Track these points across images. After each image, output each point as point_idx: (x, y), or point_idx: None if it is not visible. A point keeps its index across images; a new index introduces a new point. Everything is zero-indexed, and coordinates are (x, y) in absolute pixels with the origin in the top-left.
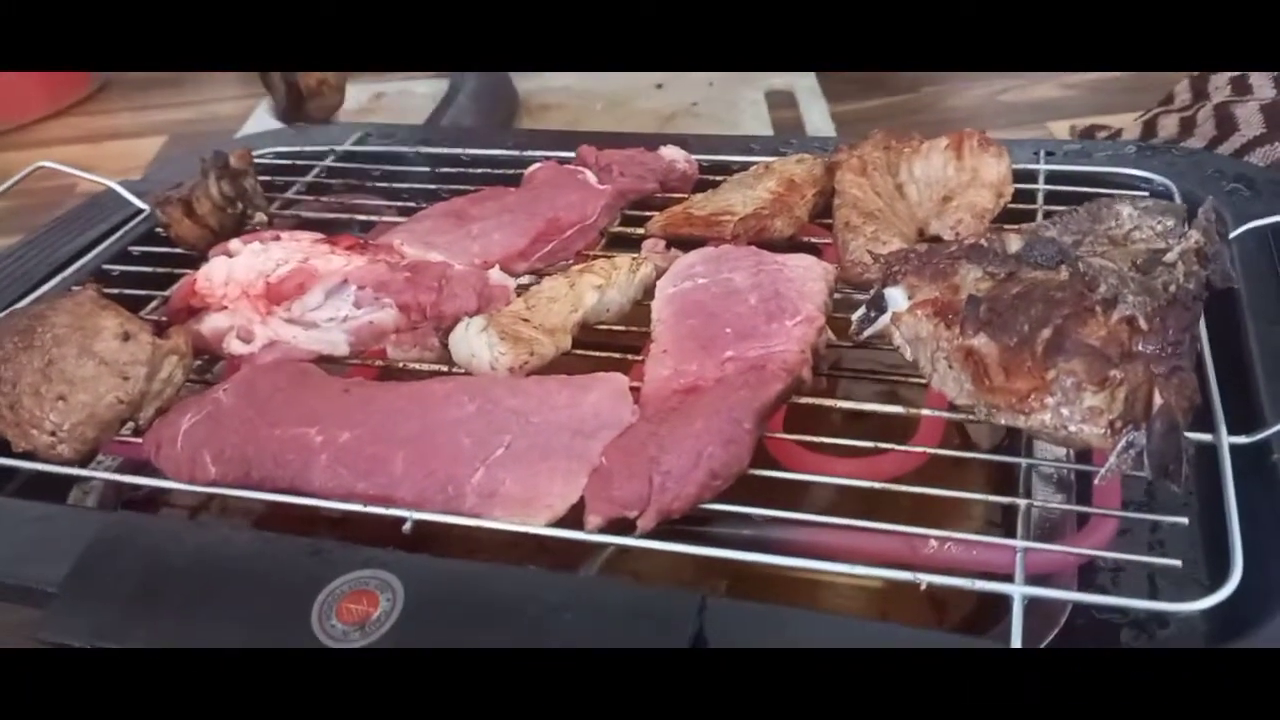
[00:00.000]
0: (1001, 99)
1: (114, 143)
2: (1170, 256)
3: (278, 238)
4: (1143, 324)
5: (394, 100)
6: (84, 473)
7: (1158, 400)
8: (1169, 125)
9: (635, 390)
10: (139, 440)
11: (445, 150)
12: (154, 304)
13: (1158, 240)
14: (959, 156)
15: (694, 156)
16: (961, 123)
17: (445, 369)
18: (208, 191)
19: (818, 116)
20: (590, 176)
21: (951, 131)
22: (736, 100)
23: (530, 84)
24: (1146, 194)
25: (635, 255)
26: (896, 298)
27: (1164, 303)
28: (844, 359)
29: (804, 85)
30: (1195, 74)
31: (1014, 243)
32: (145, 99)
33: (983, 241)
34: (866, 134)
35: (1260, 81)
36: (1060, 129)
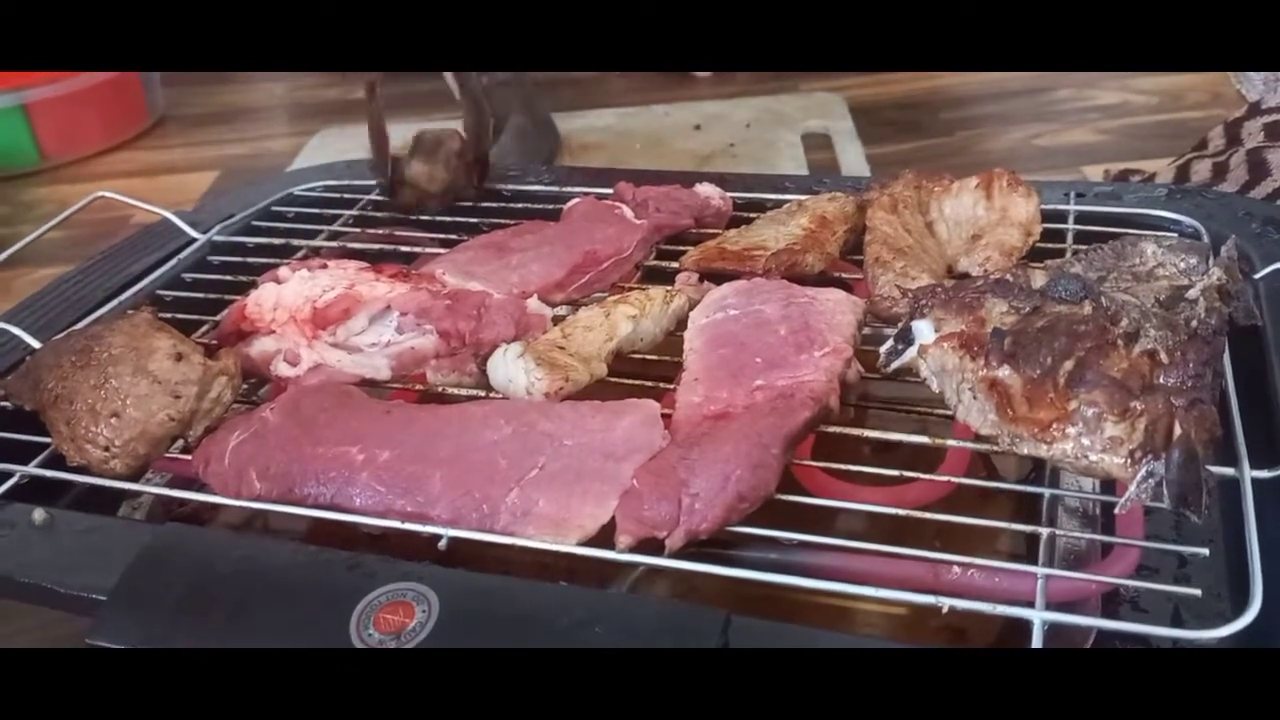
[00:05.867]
0: (1036, 143)
1: (168, 177)
2: (1192, 293)
3: (325, 266)
4: (1164, 357)
5: None
6: (135, 487)
7: (1178, 431)
8: (1202, 170)
9: (666, 416)
10: (188, 457)
11: (487, 186)
12: (205, 328)
13: (1181, 277)
14: (989, 196)
15: (729, 194)
16: (995, 166)
17: (483, 393)
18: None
19: (853, 158)
20: (627, 211)
21: (982, 171)
22: (774, 141)
23: (572, 124)
24: (1173, 234)
25: (669, 288)
26: (923, 330)
27: (1185, 337)
28: (872, 391)
29: (840, 128)
30: (1229, 120)
31: (1039, 278)
32: (199, 135)
33: (1008, 277)
34: (899, 174)
35: None
36: (1094, 173)
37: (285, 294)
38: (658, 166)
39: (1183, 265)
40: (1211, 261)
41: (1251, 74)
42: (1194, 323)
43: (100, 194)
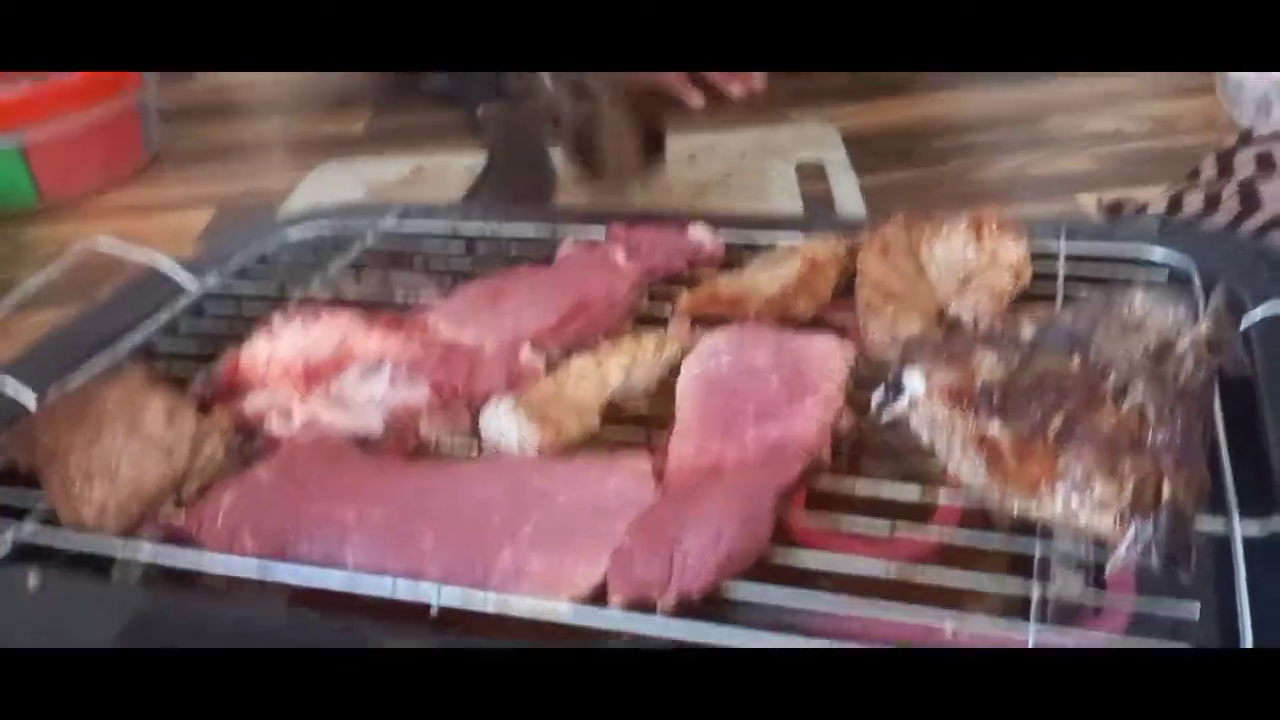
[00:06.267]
0: (1029, 171)
1: (165, 215)
2: (1181, 346)
3: (318, 316)
4: (1152, 414)
5: (434, 174)
6: (128, 548)
7: (1166, 492)
8: (1194, 201)
9: (659, 468)
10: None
11: (482, 228)
12: (200, 379)
13: (1169, 329)
14: (978, 238)
15: (722, 233)
16: (989, 195)
17: (476, 446)
18: None
19: (847, 189)
20: (620, 256)
21: (971, 213)
22: (768, 172)
23: None
24: (1161, 281)
25: (662, 333)
26: (914, 381)
27: (1173, 393)
28: (866, 438)
29: (834, 158)
30: (1221, 149)
31: (1028, 329)
32: (196, 171)
33: (997, 328)
34: (890, 213)
35: None
36: (1088, 201)
37: (278, 348)
38: (653, 198)
39: (1170, 317)
40: (1201, 312)
41: (1243, 96)
42: (1182, 377)
43: (92, 244)
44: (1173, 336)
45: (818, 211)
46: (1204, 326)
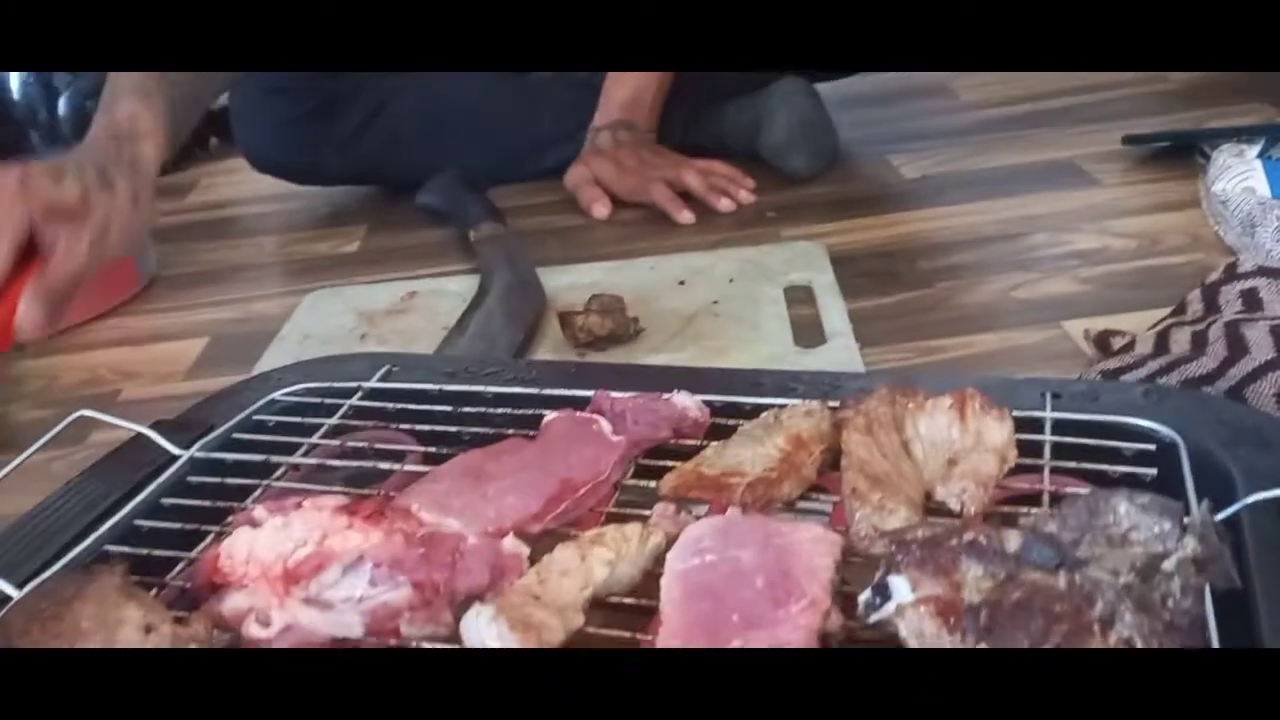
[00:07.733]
0: (1015, 295)
1: (158, 345)
2: (1168, 565)
3: (300, 505)
4: (1139, 645)
5: (426, 300)
6: None
7: None
8: (1181, 340)
9: None
10: None
11: (467, 388)
12: (180, 566)
13: (1155, 543)
14: (962, 418)
15: (705, 394)
16: (976, 321)
17: (457, 646)
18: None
19: (835, 315)
20: (605, 426)
21: (954, 392)
22: (757, 298)
23: (558, 280)
24: (1146, 494)
25: (645, 518)
26: (900, 588)
27: (1161, 626)
28: (857, 635)
29: (822, 281)
30: (1206, 283)
31: (1013, 540)
32: (189, 297)
33: (981, 539)
34: (872, 389)
35: (1270, 296)
36: (1074, 328)
37: (258, 545)
38: (643, 324)
39: (1156, 530)
40: (1190, 504)
41: (1228, 214)
42: (1170, 601)
43: (81, 413)
44: (1160, 552)
45: (802, 376)
46: (1190, 546)
